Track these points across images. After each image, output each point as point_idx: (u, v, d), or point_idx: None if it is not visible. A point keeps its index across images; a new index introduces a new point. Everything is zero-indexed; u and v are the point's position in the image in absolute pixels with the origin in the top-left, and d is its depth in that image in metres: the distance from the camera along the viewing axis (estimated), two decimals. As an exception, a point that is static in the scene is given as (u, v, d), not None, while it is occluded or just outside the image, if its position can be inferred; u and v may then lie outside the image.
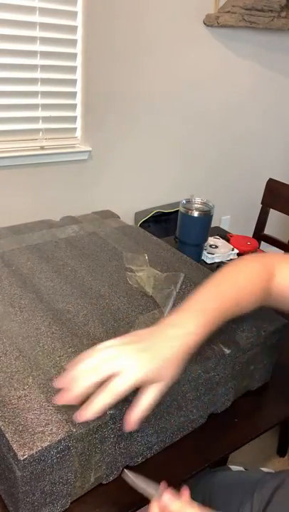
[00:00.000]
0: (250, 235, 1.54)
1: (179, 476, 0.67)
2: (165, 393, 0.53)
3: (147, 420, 0.61)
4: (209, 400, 0.72)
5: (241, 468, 0.89)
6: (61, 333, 0.67)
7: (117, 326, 0.71)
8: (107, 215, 1.17)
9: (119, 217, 1.19)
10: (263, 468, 0.85)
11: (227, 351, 0.69)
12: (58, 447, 0.51)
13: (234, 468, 0.88)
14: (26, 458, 0.48)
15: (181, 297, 0.81)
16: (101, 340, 0.66)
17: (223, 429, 0.75)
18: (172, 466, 0.68)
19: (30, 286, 0.79)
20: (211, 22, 1.65)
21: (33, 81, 1.38)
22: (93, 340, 0.67)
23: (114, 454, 0.59)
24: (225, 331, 0.72)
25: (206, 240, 1.18)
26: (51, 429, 0.51)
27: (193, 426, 0.72)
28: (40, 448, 0.49)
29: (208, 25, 1.67)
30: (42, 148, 1.46)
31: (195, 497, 0.81)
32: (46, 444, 0.49)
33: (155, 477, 0.65)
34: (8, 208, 1.43)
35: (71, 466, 0.54)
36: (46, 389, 0.56)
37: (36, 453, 0.48)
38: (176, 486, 0.65)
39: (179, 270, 0.90)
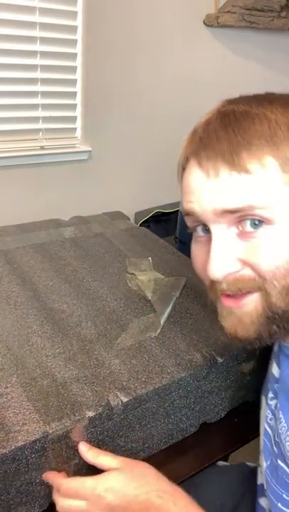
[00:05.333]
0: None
1: (178, 476, 0.66)
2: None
3: (130, 426, 0.60)
4: (201, 409, 0.70)
5: (227, 464, 0.87)
6: (52, 332, 0.67)
7: (110, 328, 0.70)
8: (117, 216, 1.17)
9: (129, 218, 1.19)
10: (248, 463, 0.83)
11: (220, 360, 0.67)
12: (32, 447, 0.50)
13: (220, 463, 0.86)
14: (-1, 456, 0.48)
15: (181, 302, 0.80)
16: (91, 342, 0.67)
17: (223, 429, 0.74)
18: (171, 466, 0.68)
19: (29, 285, 0.80)
20: (211, 22, 1.64)
21: (33, 81, 1.39)
22: (83, 342, 0.66)
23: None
24: (220, 339, 0.71)
25: (205, 239, 1.17)
26: (27, 429, 0.51)
27: (184, 434, 0.71)
28: (13, 447, 0.49)
29: (208, 25, 1.66)
30: (42, 148, 1.47)
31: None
32: (20, 443, 0.49)
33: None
34: (7, 208, 1.45)
35: (48, 467, 0.54)
36: (29, 388, 0.56)
37: (9, 452, 0.48)
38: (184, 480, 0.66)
39: (183, 275, 0.89)
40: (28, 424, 0.51)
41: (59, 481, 0.52)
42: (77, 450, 0.55)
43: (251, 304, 0.44)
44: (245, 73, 1.87)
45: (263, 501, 0.64)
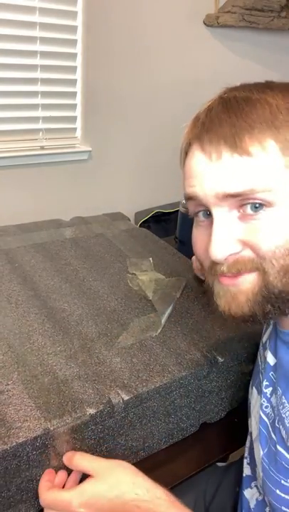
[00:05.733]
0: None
1: (178, 476, 0.67)
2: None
3: (131, 424, 0.60)
4: (201, 409, 0.70)
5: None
6: (53, 331, 0.68)
7: (111, 327, 0.70)
8: (118, 217, 1.18)
9: (129, 219, 1.19)
10: (218, 464, 0.84)
11: (220, 359, 0.67)
12: (34, 444, 0.50)
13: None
14: (0, 452, 0.48)
15: (182, 302, 0.80)
16: (92, 340, 0.67)
17: (223, 429, 0.74)
18: (171, 466, 0.68)
19: (30, 284, 0.80)
20: (211, 22, 1.64)
21: (33, 81, 1.38)
22: (84, 341, 0.66)
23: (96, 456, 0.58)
24: (221, 339, 0.71)
25: (205, 239, 1.17)
26: (28, 425, 0.51)
27: (184, 434, 0.71)
28: (14, 444, 0.49)
29: (208, 25, 1.66)
30: (42, 148, 1.46)
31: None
32: (22, 440, 0.49)
33: (154, 475, 0.65)
34: (7, 208, 1.45)
35: (49, 465, 0.54)
36: (30, 385, 0.56)
37: (10, 448, 0.48)
38: (176, 485, 0.66)
39: (184, 276, 0.89)
40: (30, 421, 0.51)
41: (40, 492, 0.52)
42: (76, 448, 0.55)
43: (248, 282, 0.45)
44: (245, 73, 1.87)
45: (247, 493, 0.64)
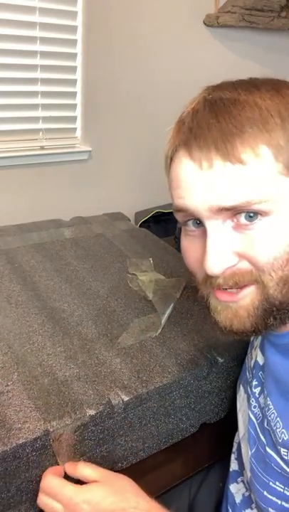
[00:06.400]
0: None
1: (177, 476, 0.67)
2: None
3: (131, 425, 0.60)
4: (201, 409, 0.70)
5: None
6: (53, 331, 0.68)
7: (111, 327, 0.70)
8: (118, 217, 1.17)
9: (129, 219, 1.19)
10: None
11: (220, 360, 0.67)
12: (33, 445, 0.50)
13: None
14: (0, 454, 0.48)
15: (182, 302, 0.80)
16: (92, 341, 0.67)
17: (223, 430, 0.74)
18: (171, 466, 0.68)
19: (30, 284, 0.80)
20: (211, 22, 1.64)
21: (33, 81, 1.39)
22: (84, 341, 0.66)
23: (96, 457, 0.58)
24: (220, 340, 0.71)
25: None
26: (28, 426, 0.51)
27: (184, 434, 0.71)
28: (14, 445, 0.49)
29: (208, 25, 1.66)
30: (42, 148, 1.47)
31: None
32: (21, 441, 0.49)
33: (154, 475, 0.65)
34: (7, 208, 1.45)
35: (49, 466, 0.54)
36: (30, 386, 0.56)
37: (10, 449, 0.48)
38: (175, 485, 0.66)
39: (183, 276, 0.89)
40: (30, 422, 0.51)
41: (46, 473, 0.52)
42: (76, 449, 0.56)
43: (248, 297, 0.43)
44: (245, 73, 1.86)
45: (233, 487, 0.63)
